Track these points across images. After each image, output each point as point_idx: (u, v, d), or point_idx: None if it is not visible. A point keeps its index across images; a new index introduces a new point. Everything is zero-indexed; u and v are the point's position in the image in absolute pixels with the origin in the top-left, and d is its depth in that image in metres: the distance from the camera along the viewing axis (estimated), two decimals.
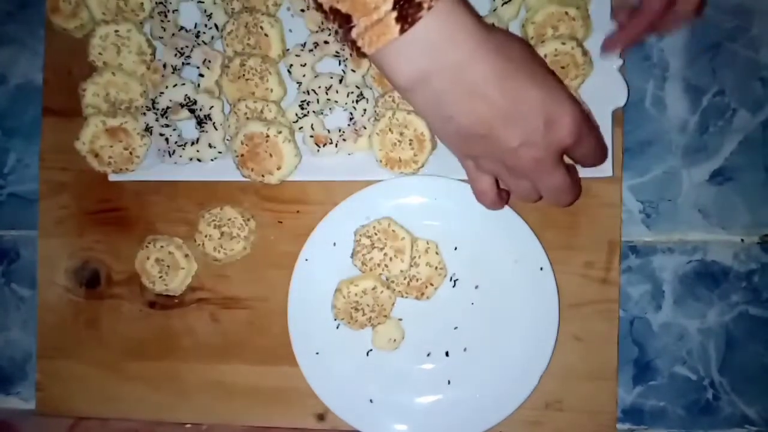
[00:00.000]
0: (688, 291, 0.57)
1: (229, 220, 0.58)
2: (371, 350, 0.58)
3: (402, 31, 0.40)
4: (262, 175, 0.56)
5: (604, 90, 0.54)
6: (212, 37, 0.59)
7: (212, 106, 0.58)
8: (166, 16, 0.60)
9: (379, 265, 0.55)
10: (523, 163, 0.46)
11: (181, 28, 0.60)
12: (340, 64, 0.58)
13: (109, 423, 0.62)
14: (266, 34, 0.57)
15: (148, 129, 0.59)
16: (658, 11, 0.50)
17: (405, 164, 0.55)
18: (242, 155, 0.56)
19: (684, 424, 0.57)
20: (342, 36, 0.42)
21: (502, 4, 0.55)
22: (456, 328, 0.58)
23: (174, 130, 0.59)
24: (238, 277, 0.61)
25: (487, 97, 0.43)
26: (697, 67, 0.57)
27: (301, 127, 0.57)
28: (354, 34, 0.41)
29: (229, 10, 0.59)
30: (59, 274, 0.63)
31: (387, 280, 0.57)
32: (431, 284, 0.56)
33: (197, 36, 0.59)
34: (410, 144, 0.55)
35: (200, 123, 0.58)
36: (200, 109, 0.58)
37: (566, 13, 0.53)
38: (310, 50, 0.57)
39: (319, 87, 0.57)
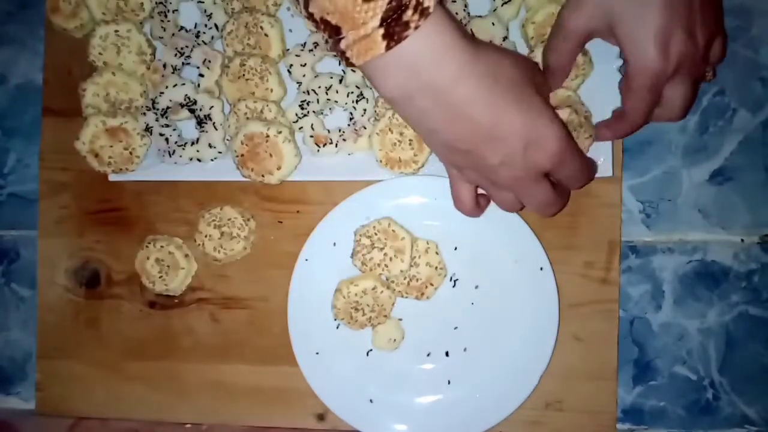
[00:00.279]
0: (688, 291, 0.57)
1: (229, 220, 0.58)
2: (371, 350, 0.58)
3: (388, 48, 0.40)
4: (262, 175, 0.56)
5: (604, 90, 0.54)
6: (212, 37, 0.59)
7: (212, 106, 0.58)
8: (166, 16, 0.60)
9: (379, 265, 0.55)
10: (503, 179, 0.46)
11: (181, 28, 0.60)
12: (340, 64, 0.58)
13: (109, 423, 0.62)
14: (266, 34, 0.57)
15: (148, 129, 0.59)
16: (640, 125, 0.50)
17: (405, 164, 0.55)
18: (242, 155, 0.56)
19: (684, 424, 0.57)
20: (331, 46, 0.43)
21: (502, 4, 0.55)
22: (456, 328, 0.58)
23: (174, 130, 0.59)
24: (238, 277, 0.61)
25: (471, 119, 0.43)
26: None
27: (301, 127, 0.57)
28: (343, 45, 0.41)
29: (229, 10, 0.59)
30: (59, 274, 0.63)
31: (387, 280, 0.57)
32: (431, 284, 0.56)
33: (197, 36, 0.59)
34: (410, 144, 0.55)
35: (200, 123, 0.58)
36: (200, 109, 0.58)
37: None
38: (310, 50, 0.57)
39: (319, 87, 0.57)
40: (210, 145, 0.58)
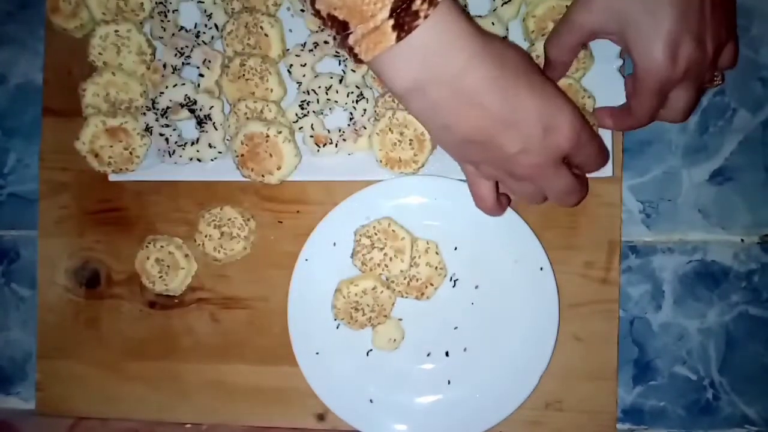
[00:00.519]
0: (688, 291, 0.57)
1: (229, 220, 0.58)
2: (371, 350, 0.58)
3: (398, 39, 0.40)
4: (262, 175, 0.56)
5: (604, 89, 0.54)
6: (212, 37, 0.59)
7: (212, 106, 0.58)
8: (166, 16, 0.60)
9: (379, 265, 0.55)
10: (523, 169, 0.46)
11: (181, 28, 0.60)
12: (340, 64, 0.58)
13: (109, 423, 0.62)
14: (266, 34, 0.57)
15: (148, 129, 0.59)
16: (643, 124, 0.51)
17: (405, 164, 0.55)
18: (242, 155, 0.56)
19: (684, 424, 0.57)
20: (339, 42, 0.42)
21: (502, 4, 0.55)
22: (456, 328, 0.58)
23: (174, 130, 0.59)
24: (238, 277, 0.61)
25: (484, 106, 0.43)
26: None
27: (301, 127, 0.57)
28: (351, 41, 0.41)
29: (229, 10, 0.59)
30: (59, 274, 0.63)
31: (387, 280, 0.57)
32: (431, 284, 0.56)
33: (197, 36, 0.59)
34: (410, 144, 0.55)
35: (200, 123, 0.58)
36: (200, 109, 0.58)
37: (567, 6, 0.53)
38: (310, 50, 0.57)
39: (319, 87, 0.57)
40: (210, 145, 0.58)
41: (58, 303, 0.63)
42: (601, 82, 0.54)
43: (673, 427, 0.57)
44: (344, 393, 0.57)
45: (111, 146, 0.58)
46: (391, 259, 0.55)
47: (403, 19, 0.40)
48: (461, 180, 0.54)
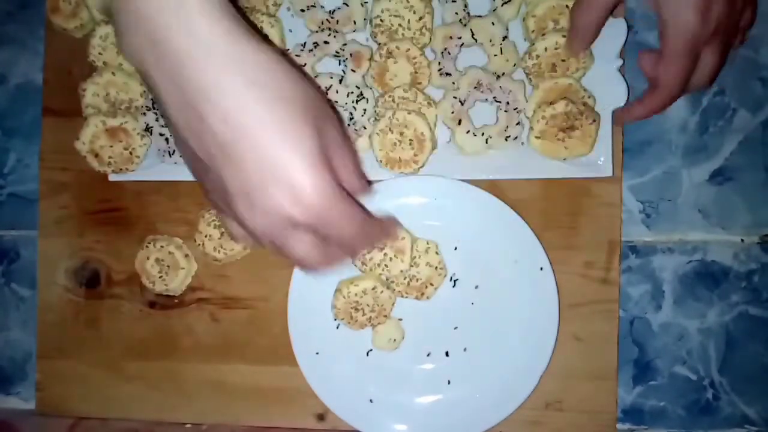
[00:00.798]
0: (688, 291, 0.57)
1: None
2: (371, 350, 0.58)
3: None
4: None
5: (604, 90, 0.54)
6: None
7: None
8: None
9: (379, 265, 0.55)
10: (241, 214, 0.39)
11: None
12: (340, 64, 0.58)
13: (109, 423, 0.62)
14: (266, 34, 0.57)
15: (148, 129, 0.59)
16: (675, 95, 0.49)
17: (405, 164, 0.55)
18: None
19: (684, 424, 0.57)
20: None
21: (502, 4, 0.55)
22: (456, 328, 0.58)
23: None
24: (238, 277, 0.61)
25: (204, 118, 0.37)
26: None
27: None
28: None
29: None
30: (59, 274, 0.63)
31: (387, 280, 0.57)
32: (431, 284, 0.56)
33: None
34: (410, 144, 0.55)
35: None
36: None
37: (567, 6, 0.53)
38: (310, 50, 0.57)
39: (319, 87, 0.57)
40: None
41: (58, 303, 0.63)
42: (601, 82, 0.54)
43: (673, 427, 0.57)
44: (344, 393, 0.57)
45: (111, 146, 0.58)
46: (391, 259, 0.55)
47: None
48: (461, 180, 0.55)
